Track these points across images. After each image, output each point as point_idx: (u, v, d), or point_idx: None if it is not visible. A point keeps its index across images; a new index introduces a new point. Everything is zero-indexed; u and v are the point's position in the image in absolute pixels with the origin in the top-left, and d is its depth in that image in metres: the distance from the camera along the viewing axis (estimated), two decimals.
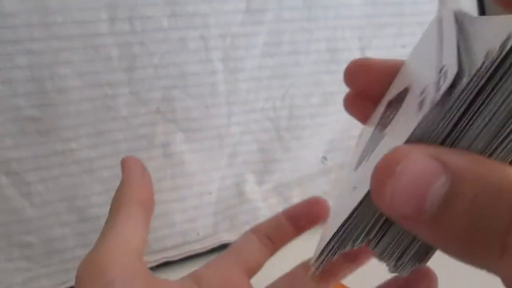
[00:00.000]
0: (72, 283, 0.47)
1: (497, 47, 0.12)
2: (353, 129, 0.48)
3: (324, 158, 0.53)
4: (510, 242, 0.12)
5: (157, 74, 0.45)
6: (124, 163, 0.27)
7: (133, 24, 0.43)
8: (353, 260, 0.27)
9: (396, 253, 0.18)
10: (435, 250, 0.18)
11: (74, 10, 0.41)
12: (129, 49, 0.43)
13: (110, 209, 0.25)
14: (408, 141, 0.15)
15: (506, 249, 0.12)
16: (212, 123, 0.48)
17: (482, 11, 0.61)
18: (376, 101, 0.25)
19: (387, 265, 0.19)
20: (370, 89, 0.25)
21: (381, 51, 0.53)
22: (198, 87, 0.47)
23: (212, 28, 0.46)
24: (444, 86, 0.14)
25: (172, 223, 0.48)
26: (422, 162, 0.13)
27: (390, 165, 0.13)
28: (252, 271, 0.28)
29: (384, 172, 0.14)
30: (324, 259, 0.20)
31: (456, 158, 0.13)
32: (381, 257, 0.19)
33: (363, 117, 0.26)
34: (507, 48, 0.12)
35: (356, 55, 0.51)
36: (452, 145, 0.14)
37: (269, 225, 0.30)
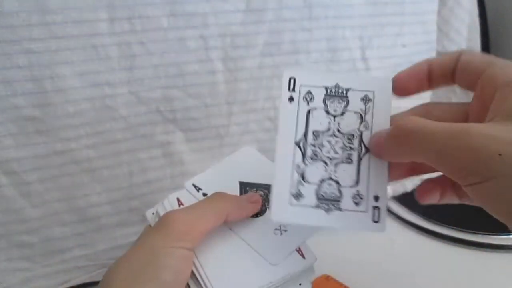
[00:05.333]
0: (72, 283, 0.47)
1: None
2: None
3: None
4: None
5: (157, 74, 0.45)
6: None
7: (132, 24, 0.43)
8: None
9: None
10: None
11: (74, 10, 0.41)
12: (129, 49, 0.43)
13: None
14: None
15: None
16: (212, 123, 0.48)
17: (482, 11, 0.61)
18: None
19: None
20: None
21: (381, 50, 0.53)
22: (197, 87, 0.47)
23: (211, 28, 0.46)
24: None
25: None
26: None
27: None
28: None
29: None
30: None
31: None
32: None
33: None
34: None
35: (357, 54, 0.51)
36: None
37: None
